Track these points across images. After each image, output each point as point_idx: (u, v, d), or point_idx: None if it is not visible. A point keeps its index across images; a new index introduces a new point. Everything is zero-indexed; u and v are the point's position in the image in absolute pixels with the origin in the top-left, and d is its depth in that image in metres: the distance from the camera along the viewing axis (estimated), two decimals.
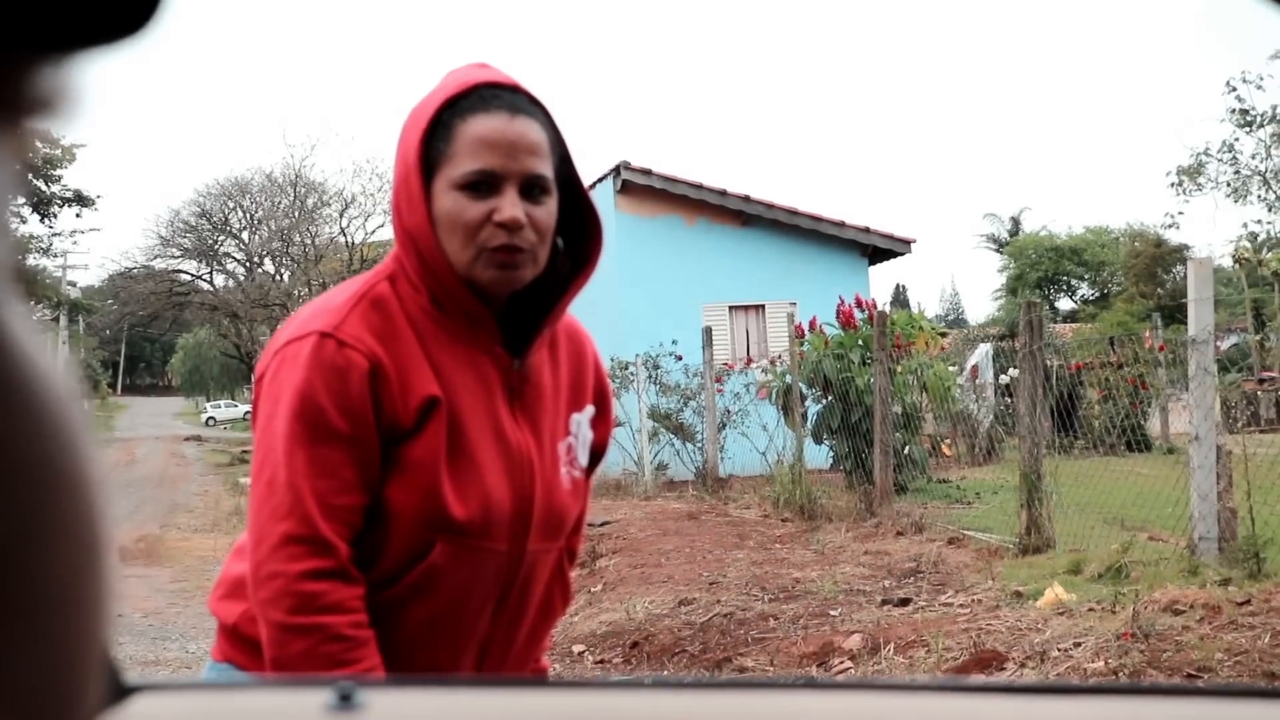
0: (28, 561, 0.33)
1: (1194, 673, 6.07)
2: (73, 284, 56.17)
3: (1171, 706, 1.13)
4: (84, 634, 0.36)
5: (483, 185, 1.94)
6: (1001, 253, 56.23)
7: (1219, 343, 9.81)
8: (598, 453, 2.27)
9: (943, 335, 18.71)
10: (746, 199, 20.73)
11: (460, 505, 1.94)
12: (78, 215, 49.70)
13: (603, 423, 2.27)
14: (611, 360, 16.32)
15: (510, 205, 1.93)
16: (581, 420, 2.18)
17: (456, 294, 1.99)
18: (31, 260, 47.14)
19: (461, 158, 1.95)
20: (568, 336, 2.19)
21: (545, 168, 1.99)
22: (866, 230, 21.50)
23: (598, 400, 2.25)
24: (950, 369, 16.33)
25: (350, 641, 1.87)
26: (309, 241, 50.11)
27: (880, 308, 14.84)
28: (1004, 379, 17.32)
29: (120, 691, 1.07)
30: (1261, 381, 16.30)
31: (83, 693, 0.37)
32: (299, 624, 1.87)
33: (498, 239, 1.94)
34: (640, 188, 20.20)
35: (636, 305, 18.83)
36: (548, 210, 1.99)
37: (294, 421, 1.91)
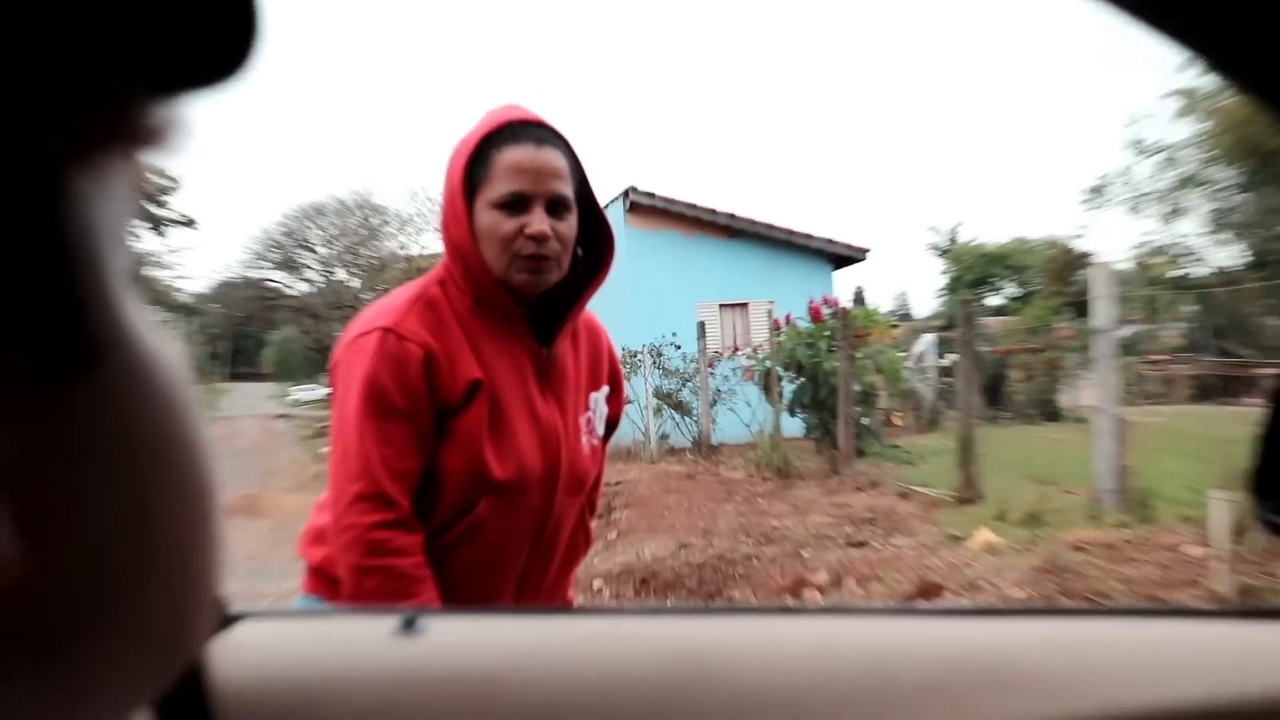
0: (154, 518, 0.34)
1: (1094, 597, 6.07)
2: (183, 291, 55.94)
3: (1077, 624, 1.13)
4: (198, 576, 0.36)
5: (515, 204, 1.96)
6: (941, 258, 55.87)
7: (1119, 332, 9.74)
8: (612, 424, 2.27)
9: (894, 327, 18.59)
10: (732, 216, 20.61)
11: (500, 467, 1.96)
12: (186, 235, 49.85)
13: (616, 400, 2.28)
14: (622, 349, 16.30)
15: (538, 221, 1.95)
16: (598, 398, 2.19)
17: (495, 294, 2.00)
18: (148, 272, 46.75)
19: (497, 182, 1.96)
20: (587, 329, 2.20)
21: (566, 189, 2.00)
22: (831, 241, 21.37)
23: (611, 381, 2.25)
24: (900, 355, 16.24)
25: (411, 579, 1.88)
26: (373, 254, 49.88)
27: (843, 305, 14.75)
28: (944, 362, 17.22)
29: (227, 620, 1.08)
30: (1152, 364, 16.21)
31: (197, 624, 0.37)
32: (370, 565, 1.88)
33: (528, 248, 1.96)
34: (645, 207, 20.09)
35: (643, 304, 18.72)
36: (569, 225, 2.01)
37: (363, 401, 1.92)
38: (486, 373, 1.98)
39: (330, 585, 2.03)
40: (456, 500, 1.96)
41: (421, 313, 1.99)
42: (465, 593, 1.98)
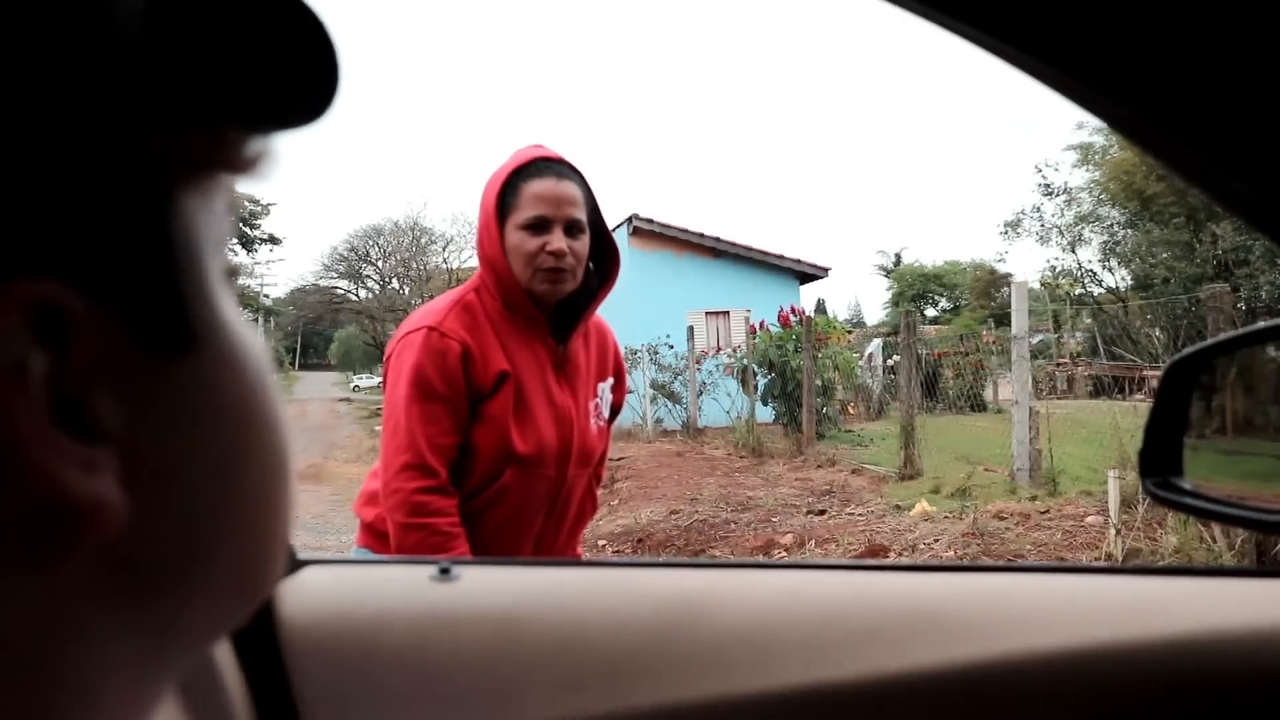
0: (239, 477, 0.34)
1: (1012, 558, 6.08)
2: (267, 297, 56.28)
3: (999, 578, 1.13)
4: (275, 527, 0.36)
5: (539, 226, 1.98)
6: (888, 277, 55.86)
7: (1031, 339, 9.74)
8: (616, 410, 2.27)
9: (849, 333, 18.57)
10: (717, 239, 20.66)
11: (523, 443, 1.97)
12: (271, 250, 50.59)
13: (620, 389, 2.27)
14: (625, 347, 16.24)
15: (557, 240, 1.98)
16: (604, 387, 2.19)
17: (520, 300, 2.01)
18: (241, 281, 47.24)
19: (525, 208, 1.99)
20: (596, 330, 2.20)
21: (581, 215, 2.02)
22: (799, 261, 21.39)
23: (615, 373, 2.25)
24: (854, 355, 16.24)
25: (447, 535, 1.89)
26: (421, 268, 49.99)
27: (807, 314, 14.76)
28: (890, 362, 17.22)
29: (296, 564, 1.08)
30: (1058, 366, 16.24)
31: (273, 568, 0.37)
32: (413, 523, 1.90)
33: (548, 263, 1.98)
34: (645, 231, 20.11)
35: (643, 312, 18.71)
36: (582, 244, 2.03)
37: (410, 387, 1.94)
38: (512, 365, 1.99)
39: (380, 540, 2.05)
40: (486, 471, 1.97)
41: (459, 315, 2.01)
42: (493, 547, 1.99)
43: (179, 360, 0.31)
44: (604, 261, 2.14)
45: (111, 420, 0.29)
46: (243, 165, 0.34)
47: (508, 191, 2.02)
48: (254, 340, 0.35)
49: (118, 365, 0.29)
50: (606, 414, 2.20)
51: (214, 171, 0.33)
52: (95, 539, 0.29)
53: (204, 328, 0.32)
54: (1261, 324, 0.96)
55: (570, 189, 2.02)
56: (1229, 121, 0.60)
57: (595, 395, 2.16)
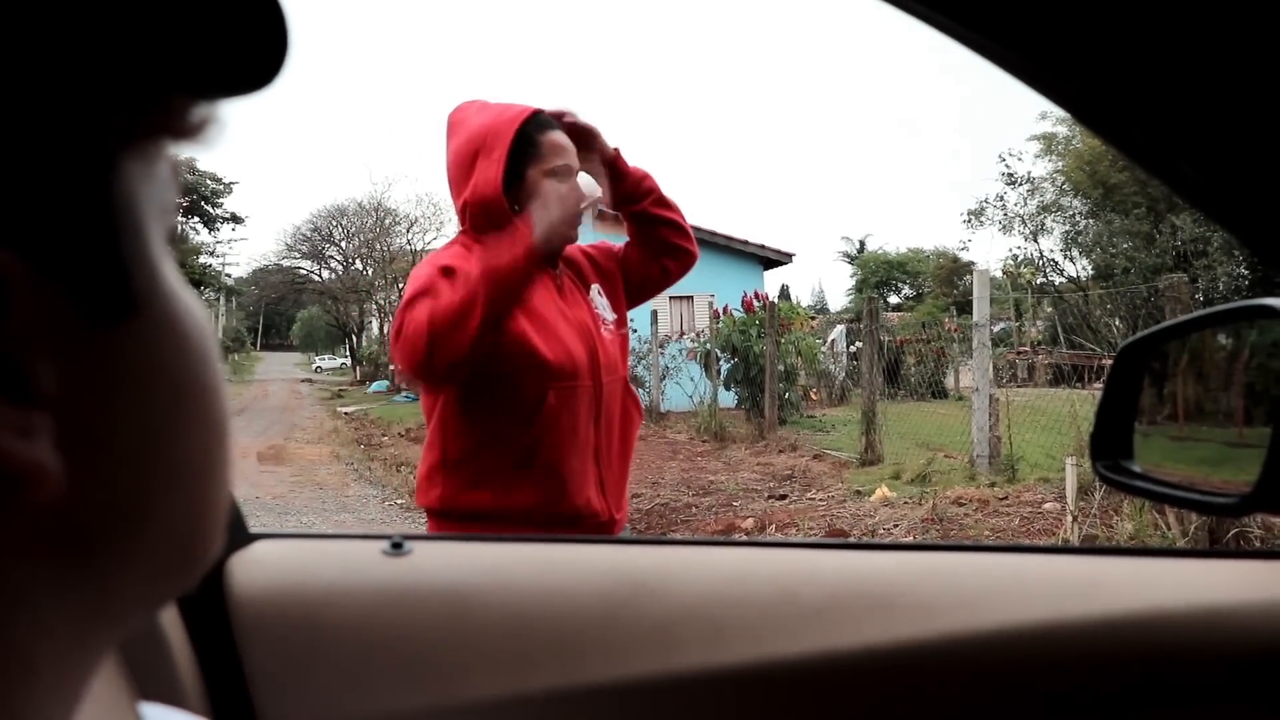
0: (178, 442, 0.34)
1: (971, 543, 6.16)
2: (229, 276, 55.74)
3: (948, 557, 1.15)
4: (214, 493, 0.36)
5: (564, 174, 2.10)
6: (852, 264, 56.17)
7: (992, 327, 9.83)
8: (633, 282, 2.34)
9: (812, 319, 18.69)
10: None
11: (551, 354, 2.01)
12: (233, 230, 50.27)
13: (615, 270, 2.32)
14: None
15: (584, 187, 2.11)
16: (594, 295, 2.24)
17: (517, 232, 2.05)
18: (202, 260, 46.78)
19: (550, 157, 2.09)
20: (567, 258, 2.24)
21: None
22: (762, 246, 21.45)
23: (593, 268, 2.29)
24: (817, 341, 16.34)
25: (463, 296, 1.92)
26: (385, 249, 49.67)
27: (771, 300, 14.82)
28: (853, 348, 17.33)
29: (247, 538, 1.08)
30: (1019, 354, 16.41)
31: (213, 534, 0.37)
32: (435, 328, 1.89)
33: (580, 209, 2.08)
34: (609, 215, 20.02)
35: None
36: None
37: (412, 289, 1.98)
38: None
39: (450, 524, 2.04)
40: (530, 397, 2.00)
41: (458, 253, 2.05)
42: (560, 469, 2.02)
43: (119, 326, 0.31)
44: None
45: (49, 385, 0.29)
46: (188, 131, 0.33)
47: (524, 140, 2.07)
48: (195, 307, 0.35)
49: (57, 330, 0.29)
50: (610, 315, 2.25)
51: (158, 137, 0.33)
52: (31, 504, 0.28)
53: (145, 294, 0.32)
54: (1212, 309, 0.97)
55: (570, 142, 2.12)
56: (1177, 106, 0.61)
57: (592, 305, 2.21)
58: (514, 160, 2.06)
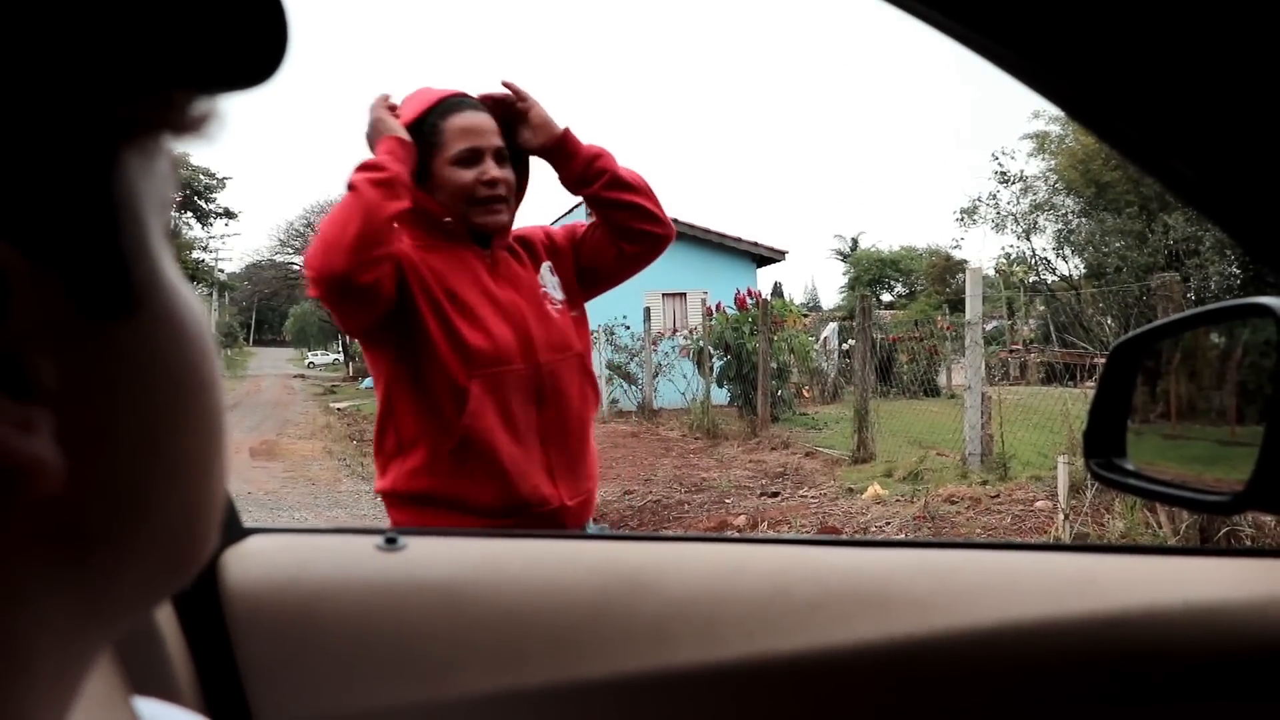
0: (176, 438, 0.34)
1: (964, 540, 6.17)
2: (222, 271, 55.61)
3: (942, 554, 1.15)
4: (211, 489, 0.36)
5: (470, 159, 2.01)
6: (845, 261, 56.18)
7: (985, 325, 9.85)
8: (584, 265, 2.20)
9: (805, 316, 18.69)
10: (675, 220, 20.46)
11: (474, 337, 1.96)
12: (226, 224, 50.18)
13: (567, 250, 2.20)
14: None
15: (491, 168, 2.02)
16: (544, 273, 2.14)
17: (442, 222, 2.03)
18: (195, 255, 46.63)
19: (453, 143, 2.00)
20: (523, 237, 2.17)
21: (501, 143, 2.04)
22: (755, 244, 21.47)
23: (547, 250, 2.19)
24: (809, 339, 16.35)
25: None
26: None
27: (764, 297, 14.82)
28: (845, 346, 17.34)
29: (241, 533, 1.08)
30: (1011, 352, 16.43)
31: (210, 530, 0.37)
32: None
33: (485, 192, 2.01)
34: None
35: None
36: (509, 172, 2.06)
37: None
38: (442, 275, 1.98)
39: (403, 509, 2.02)
40: (454, 384, 1.94)
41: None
42: (501, 455, 1.96)
43: (119, 321, 0.31)
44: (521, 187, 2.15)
45: (49, 380, 0.29)
46: (188, 126, 0.33)
47: (427, 131, 2.00)
48: (194, 303, 0.35)
49: (57, 324, 0.29)
50: (559, 295, 2.15)
51: (158, 132, 0.33)
52: (30, 499, 0.28)
53: (144, 289, 0.32)
54: (1205, 308, 0.98)
55: (488, 120, 2.03)
56: (1171, 104, 0.61)
57: (540, 285, 2.11)
58: (422, 153, 2.00)
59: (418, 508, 2.00)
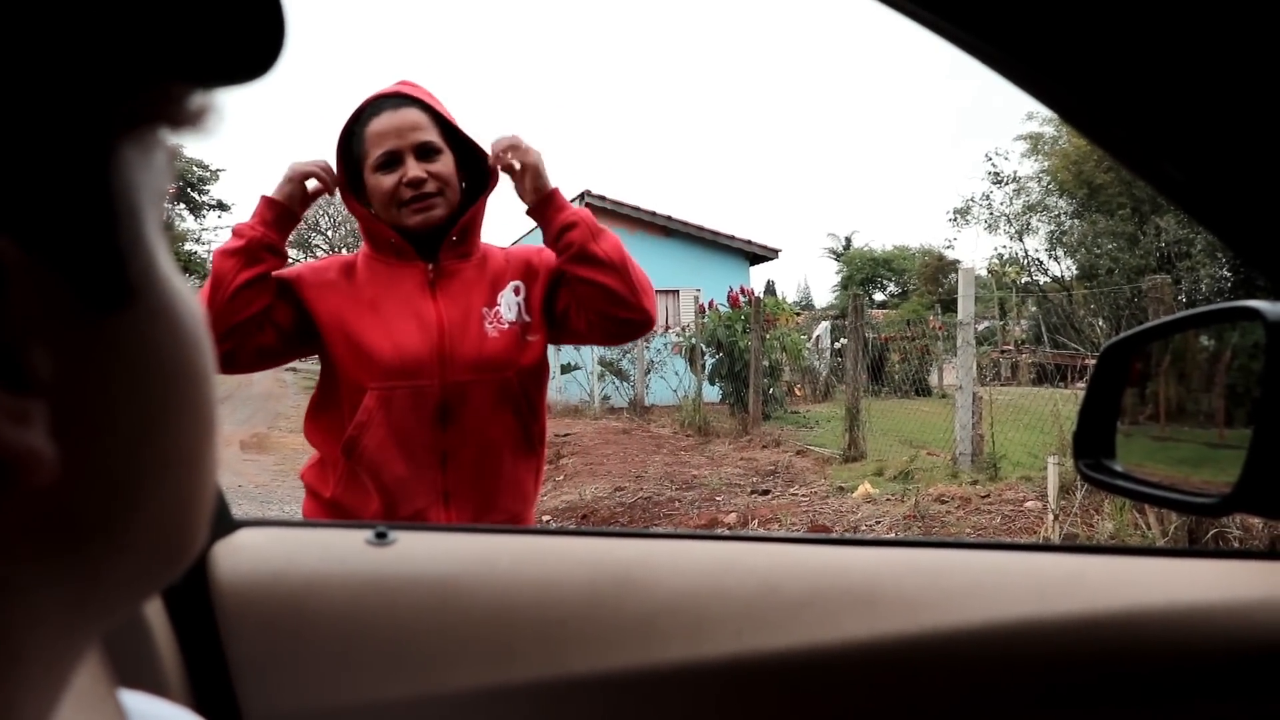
0: (170, 431, 0.34)
1: (953, 539, 6.19)
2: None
3: (932, 553, 1.15)
4: (202, 482, 0.36)
5: (390, 163, 1.96)
6: (838, 260, 56.20)
7: (976, 325, 9.86)
8: (558, 315, 2.05)
9: (798, 314, 18.73)
10: (669, 218, 20.64)
11: (381, 351, 1.91)
12: (219, 217, 50.01)
13: (541, 266, 2.06)
14: None
15: (412, 169, 1.95)
16: (506, 291, 2.01)
17: (385, 235, 1.99)
18: (187, 247, 46.43)
19: (371, 149, 1.97)
20: (504, 254, 2.08)
21: (428, 136, 1.97)
22: (749, 242, 21.46)
23: (522, 275, 2.04)
24: (801, 337, 16.36)
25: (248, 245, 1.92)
26: None
27: (756, 295, 14.83)
28: (837, 345, 17.37)
29: (231, 525, 1.08)
30: (1003, 352, 16.47)
31: (201, 523, 0.37)
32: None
33: (408, 194, 1.95)
34: (598, 208, 20.01)
35: None
36: (441, 165, 1.98)
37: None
38: (367, 293, 1.97)
39: (312, 503, 2.03)
40: (352, 391, 1.92)
41: (321, 263, 2.06)
42: (381, 471, 1.90)
43: (115, 313, 0.31)
44: (480, 176, 2.07)
45: (45, 371, 0.29)
46: (186, 119, 0.34)
47: (354, 143, 1.98)
48: (188, 296, 0.35)
49: (53, 316, 0.29)
50: (512, 316, 2.00)
51: (156, 125, 0.33)
52: (25, 491, 0.29)
53: (140, 281, 0.32)
54: (1195, 310, 0.98)
55: (409, 115, 1.95)
56: (1163, 107, 0.62)
57: (491, 304, 1.99)
58: (353, 163, 2.00)
59: (317, 504, 2.01)
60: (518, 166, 2.00)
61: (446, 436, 1.93)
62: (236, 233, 1.94)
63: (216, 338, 1.84)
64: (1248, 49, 0.57)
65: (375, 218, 1.98)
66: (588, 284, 1.96)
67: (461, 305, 1.97)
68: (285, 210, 1.98)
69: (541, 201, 2.00)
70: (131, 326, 0.32)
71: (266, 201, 1.97)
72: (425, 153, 1.95)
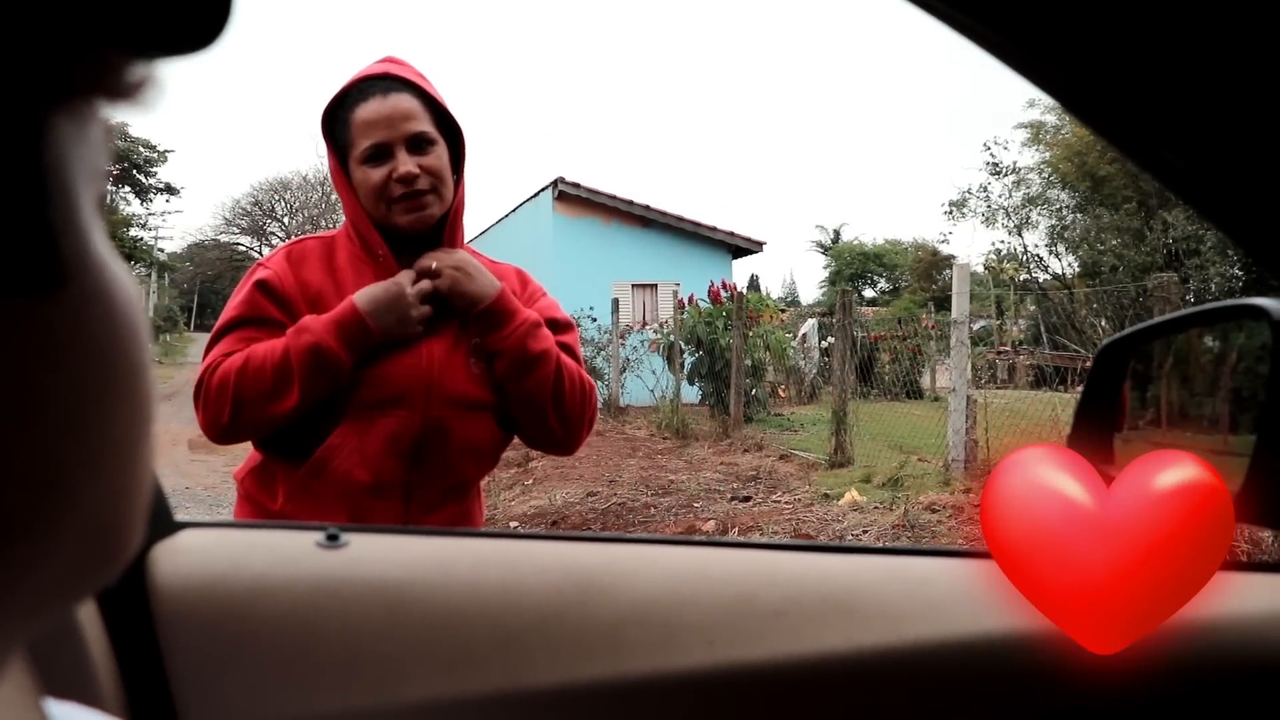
0: (103, 421, 0.33)
1: (937, 548, 6.22)
2: (161, 251, 54.86)
3: (913, 561, 1.16)
4: (138, 474, 0.35)
5: (378, 155, 1.88)
6: (826, 254, 56.37)
7: (972, 325, 9.91)
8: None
9: (782, 311, 18.78)
10: (646, 207, 20.64)
11: (367, 382, 1.86)
12: (167, 201, 49.72)
13: (525, 297, 2.07)
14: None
15: (403, 164, 1.87)
16: None
17: (373, 238, 1.92)
18: (133, 232, 45.96)
19: (358, 140, 1.89)
20: (503, 274, 2.03)
21: (423, 126, 1.89)
22: (731, 234, 21.48)
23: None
24: (786, 335, 16.40)
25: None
26: (332, 226, 49.42)
27: (739, 290, 14.85)
28: (824, 344, 17.41)
29: (172, 526, 1.07)
30: (999, 353, 16.56)
31: (136, 519, 0.36)
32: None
33: (398, 191, 1.87)
34: (571, 196, 20.00)
35: (565, 281, 18.53)
36: (435, 157, 1.90)
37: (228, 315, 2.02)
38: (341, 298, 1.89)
39: (254, 507, 2.01)
40: (329, 411, 1.86)
41: (287, 254, 1.98)
42: (342, 497, 1.87)
43: (46, 297, 0.31)
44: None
45: None
46: (124, 91, 0.33)
47: (338, 129, 1.92)
48: (126, 280, 0.35)
49: None
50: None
51: (91, 96, 0.33)
52: None
53: (73, 264, 0.32)
54: (1197, 308, 0.99)
55: (400, 102, 1.88)
56: (1168, 98, 0.62)
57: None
58: (340, 153, 1.93)
59: (259, 514, 1.97)
60: (451, 288, 1.90)
61: (415, 472, 1.91)
62: (315, 349, 1.82)
63: (226, 414, 1.87)
64: (1253, 40, 0.57)
65: (365, 216, 1.91)
66: (519, 404, 1.96)
67: (447, 334, 1.93)
68: (371, 341, 1.86)
69: (482, 314, 1.92)
70: (63, 311, 0.32)
71: (359, 324, 1.84)
72: (418, 144, 1.88)
